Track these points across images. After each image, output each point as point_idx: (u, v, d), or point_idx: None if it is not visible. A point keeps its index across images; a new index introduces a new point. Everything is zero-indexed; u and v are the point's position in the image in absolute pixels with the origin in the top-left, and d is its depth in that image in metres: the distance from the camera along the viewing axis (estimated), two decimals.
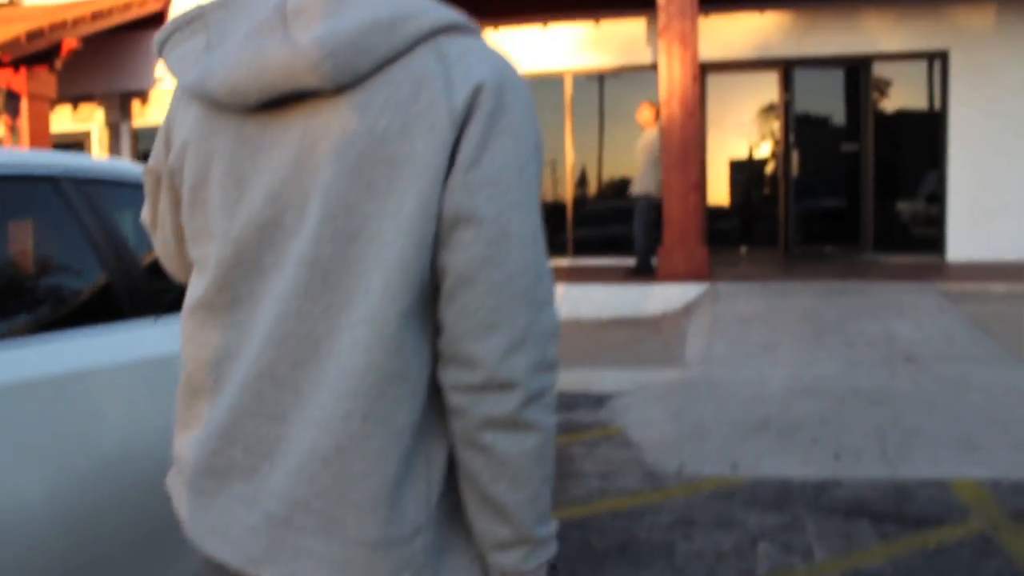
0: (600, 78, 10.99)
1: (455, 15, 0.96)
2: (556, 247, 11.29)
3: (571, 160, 11.02)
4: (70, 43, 10.16)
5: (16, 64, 10.10)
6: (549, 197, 11.35)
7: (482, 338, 0.92)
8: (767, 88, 10.61)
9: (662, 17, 8.34)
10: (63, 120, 12.54)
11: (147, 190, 1.18)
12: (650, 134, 9.02)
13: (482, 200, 0.91)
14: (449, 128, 0.91)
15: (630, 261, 9.72)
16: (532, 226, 0.95)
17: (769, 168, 10.84)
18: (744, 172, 11.07)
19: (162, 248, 1.21)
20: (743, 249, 10.77)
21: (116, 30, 11.30)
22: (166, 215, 1.14)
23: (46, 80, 10.42)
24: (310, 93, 0.92)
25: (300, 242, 0.93)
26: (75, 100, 12.40)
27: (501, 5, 10.63)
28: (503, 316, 0.92)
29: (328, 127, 0.92)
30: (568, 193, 11.07)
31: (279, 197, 0.95)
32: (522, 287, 0.93)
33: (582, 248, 11.02)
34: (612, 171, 11.27)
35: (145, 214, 1.23)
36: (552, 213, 11.45)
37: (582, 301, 8.39)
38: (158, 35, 1.03)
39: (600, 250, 10.98)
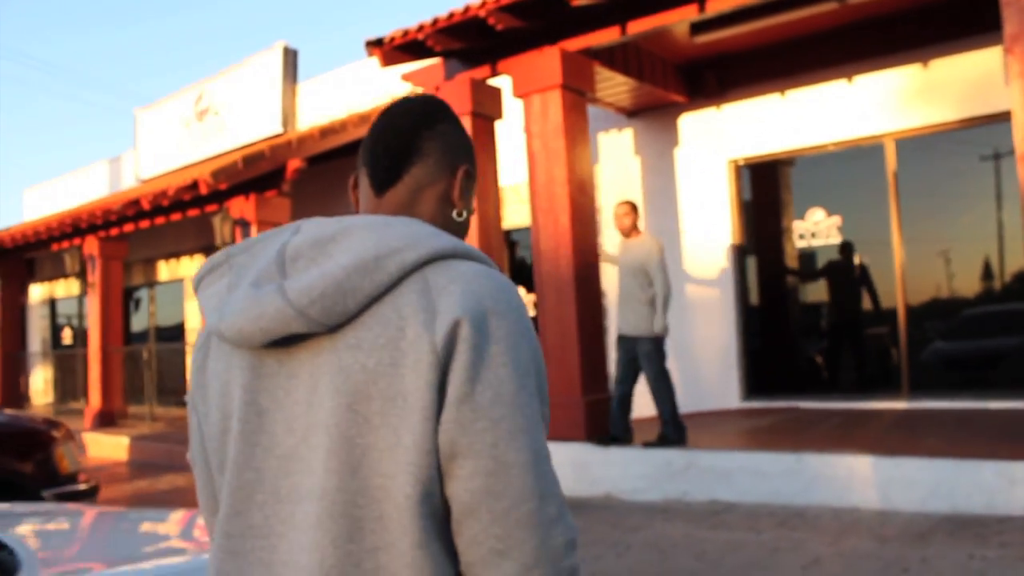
0: (935, 139, 7.77)
1: (444, 242, 1.00)
2: (880, 383, 8.04)
3: (899, 255, 7.83)
4: (294, 164, 9.33)
5: (245, 190, 9.47)
6: (868, 307, 8.19)
7: (494, 566, 0.94)
8: None
9: (1010, 21, 5.19)
10: None
11: (189, 418, 1.17)
12: (641, 245, 6.24)
13: (475, 434, 0.93)
14: (434, 363, 0.93)
15: (1010, 404, 6.34)
16: (530, 450, 0.95)
17: None
18: None
19: (200, 486, 1.16)
20: None
21: (354, 147, 10.41)
22: (194, 442, 1.14)
23: (278, 205, 9.69)
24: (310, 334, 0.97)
25: (309, 475, 0.97)
26: None
27: (790, 61, 8.05)
28: (511, 544, 0.93)
29: (328, 365, 0.97)
30: (898, 302, 7.84)
31: (295, 430, 0.99)
32: (526, 512, 0.93)
33: (924, 384, 7.66)
34: (965, 266, 7.84)
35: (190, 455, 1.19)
36: (871, 333, 8.25)
37: (897, 482, 5.28)
38: (196, 274, 1.10)
39: (955, 387, 7.56)
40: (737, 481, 5.85)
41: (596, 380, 6.61)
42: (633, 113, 9.12)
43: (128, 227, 11.83)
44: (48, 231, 12.50)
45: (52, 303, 18.75)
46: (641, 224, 9.05)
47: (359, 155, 1.17)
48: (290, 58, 12.58)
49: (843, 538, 4.78)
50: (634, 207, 6.37)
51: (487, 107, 7.49)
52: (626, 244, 6.36)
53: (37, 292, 18.90)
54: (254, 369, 1.02)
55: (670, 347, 8.77)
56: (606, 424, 6.52)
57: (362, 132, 9.89)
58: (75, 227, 12.15)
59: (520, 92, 7.04)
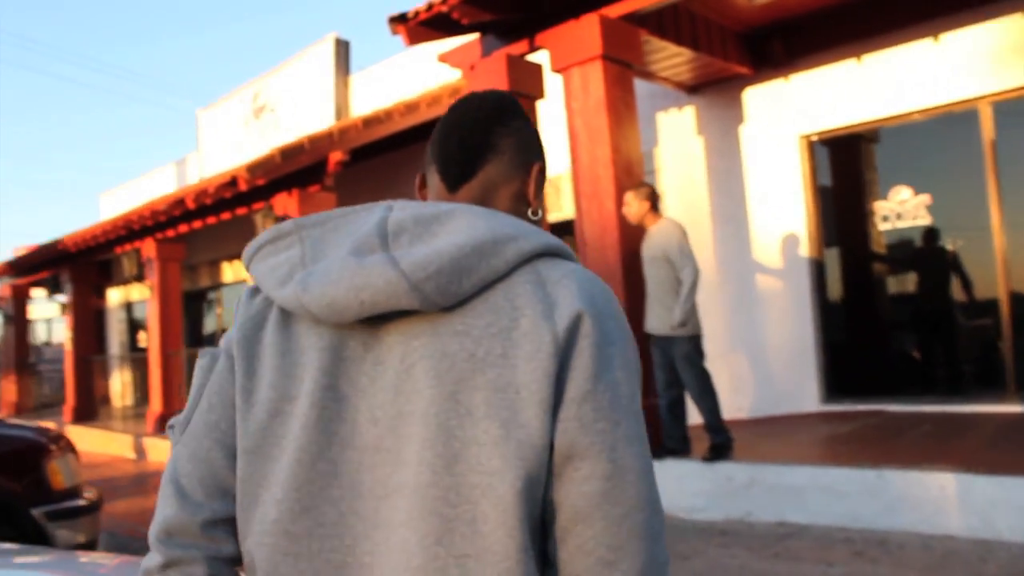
0: None
1: (553, 240, 0.98)
2: (981, 383, 7.11)
3: (1000, 236, 6.87)
4: (336, 156, 8.88)
5: (288, 186, 9.08)
6: (963, 296, 7.25)
7: None
8: None
9: None
10: None
11: (201, 377, 1.04)
12: (661, 232, 5.58)
13: (596, 434, 0.88)
14: (554, 353, 0.88)
15: None
16: (645, 458, 0.92)
17: None
18: None
19: (190, 456, 1.01)
20: None
21: (402, 138, 9.90)
22: (216, 409, 1.01)
23: (322, 201, 9.26)
24: (409, 311, 0.92)
25: (400, 468, 0.89)
26: None
27: (865, 22, 7.19)
28: (622, 554, 0.88)
29: (427, 349, 0.91)
30: (999, 290, 6.89)
31: (379, 420, 0.92)
32: (639, 522, 0.89)
33: None
34: None
35: (183, 416, 1.05)
36: (970, 326, 7.30)
37: (1001, 505, 4.45)
38: (249, 246, 1.02)
39: None
40: (808, 500, 5.08)
41: (646, 383, 5.91)
42: (694, 89, 8.35)
43: (183, 228, 11.63)
44: (104, 235, 12.42)
45: (128, 306, 18.94)
46: (704, 209, 8.29)
47: (427, 152, 1.13)
48: (342, 49, 12.19)
49: (933, 574, 4.00)
50: (643, 195, 5.66)
51: (526, 85, 6.86)
52: (648, 233, 5.70)
53: (115, 296, 19.13)
54: (334, 351, 0.95)
55: (738, 343, 7.99)
56: (658, 434, 5.83)
57: (409, 122, 9.36)
58: (128, 229, 12.02)
59: (558, 66, 6.38)
